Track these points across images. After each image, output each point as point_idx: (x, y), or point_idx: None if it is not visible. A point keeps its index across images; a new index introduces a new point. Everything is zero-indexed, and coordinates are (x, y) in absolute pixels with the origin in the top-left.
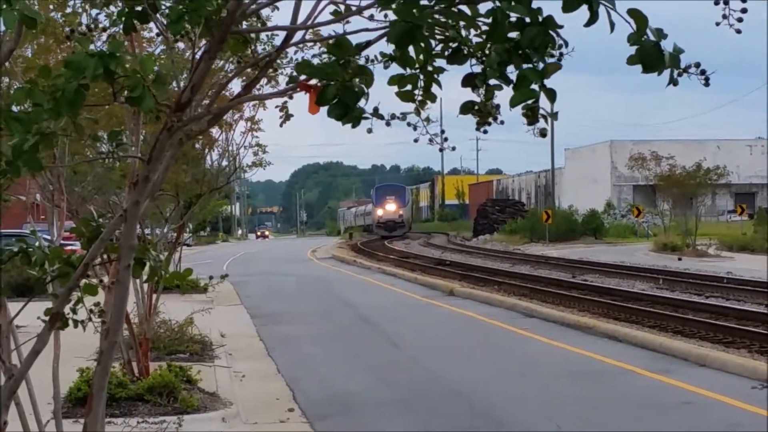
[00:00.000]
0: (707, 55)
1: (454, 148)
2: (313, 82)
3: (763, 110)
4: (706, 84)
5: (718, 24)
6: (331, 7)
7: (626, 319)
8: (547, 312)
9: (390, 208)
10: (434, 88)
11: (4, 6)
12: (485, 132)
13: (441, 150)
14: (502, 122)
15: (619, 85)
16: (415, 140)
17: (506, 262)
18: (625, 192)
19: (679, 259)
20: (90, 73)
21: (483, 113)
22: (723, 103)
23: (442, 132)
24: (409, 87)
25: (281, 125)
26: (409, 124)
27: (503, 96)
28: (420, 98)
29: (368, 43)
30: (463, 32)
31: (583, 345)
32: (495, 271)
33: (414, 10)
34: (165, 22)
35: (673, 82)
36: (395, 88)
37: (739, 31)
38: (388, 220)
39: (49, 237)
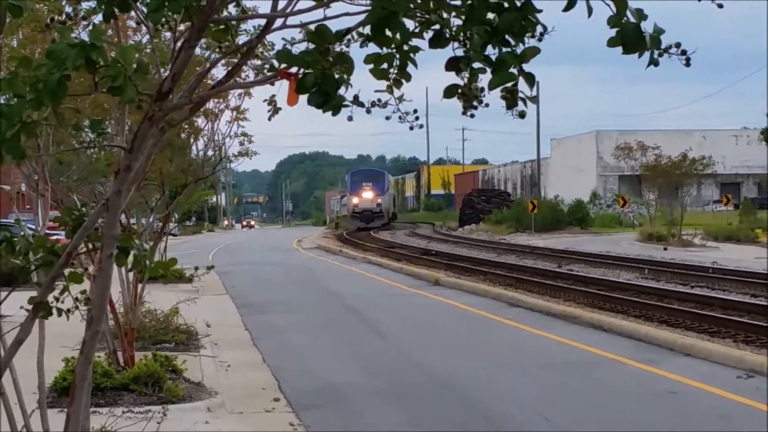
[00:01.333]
0: (692, 47)
1: (421, 126)
2: (294, 70)
3: (748, 101)
4: (687, 64)
5: (700, 0)
6: None
7: (612, 308)
8: (532, 302)
9: (366, 195)
10: (413, 68)
11: None
12: (472, 116)
13: (411, 128)
14: (486, 105)
15: (606, 75)
16: (387, 118)
17: (492, 252)
18: (611, 182)
19: (665, 249)
20: (71, 64)
21: (468, 97)
22: (709, 93)
23: (415, 111)
24: (384, 66)
25: (269, 119)
26: (379, 101)
27: (487, 79)
28: (394, 77)
29: (348, 30)
30: (445, 15)
31: (569, 335)
32: (481, 261)
33: None
34: (145, 11)
35: (653, 62)
36: (371, 76)
37: (720, 6)
38: (365, 209)
39: (34, 227)
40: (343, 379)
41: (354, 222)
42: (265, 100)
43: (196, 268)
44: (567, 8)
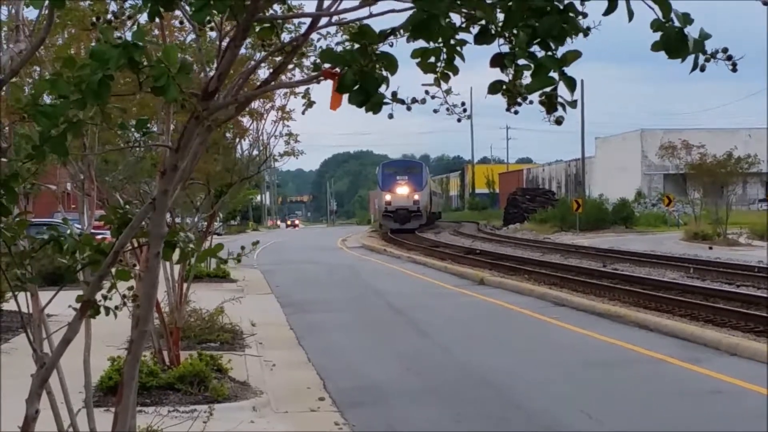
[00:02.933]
0: (734, 43)
1: (469, 117)
2: (338, 69)
3: None
4: (734, 70)
5: None
6: None
7: (657, 308)
8: (577, 301)
9: (401, 191)
10: (461, 63)
11: None
12: (516, 113)
13: (459, 120)
14: (531, 102)
15: (651, 74)
16: (435, 111)
17: (536, 251)
18: (656, 181)
19: (710, 248)
20: (113, 64)
21: (512, 93)
22: (754, 91)
23: (463, 104)
24: (432, 59)
25: (303, 112)
26: (427, 93)
27: None
28: (441, 70)
29: (393, 31)
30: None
31: (613, 334)
32: (525, 260)
33: (433, 1)
34: (190, 10)
35: (700, 68)
36: (420, 73)
37: (766, 3)
38: (400, 207)
39: (79, 226)
40: (387, 378)
41: (386, 222)
42: (299, 93)
43: (243, 248)
44: (607, 12)
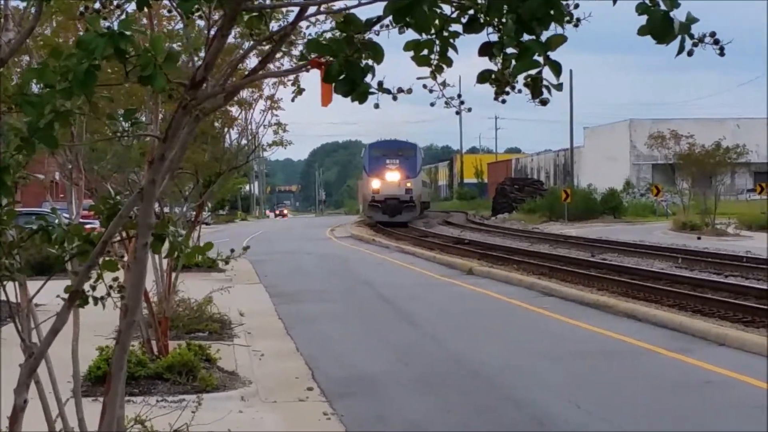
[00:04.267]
0: (724, 34)
1: (470, 110)
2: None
3: None
4: (721, 54)
5: None
6: None
7: (645, 298)
8: (565, 291)
9: (391, 177)
10: (451, 54)
11: None
12: (503, 102)
13: (458, 113)
14: (519, 91)
15: (640, 64)
16: (432, 104)
17: (525, 241)
18: (644, 171)
19: (699, 238)
20: (99, 53)
21: (500, 82)
22: (743, 81)
23: (459, 96)
24: (425, 52)
25: (293, 100)
26: (425, 87)
27: None
28: (436, 63)
29: (379, 19)
30: (479, 0)
31: (602, 324)
32: (514, 250)
33: None
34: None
35: (687, 52)
36: (409, 62)
37: None
38: (389, 197)
39: (68, 215)
40: (376, 368)
41: (374, 213)
42: (288, 80)
43: (232, 250)
44: None
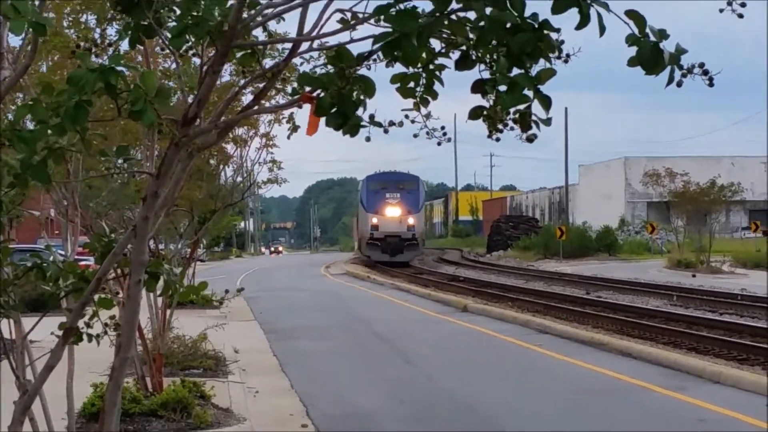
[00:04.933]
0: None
1: (449, 140)
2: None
3: None
4: (710, 84)
5: (722, 11)
6: (338, 15)
7: (640, 335)
8: (560, 328)
9: (392, 213)
10: (445, 91)
11: (13, 14)
12: (497, 140)
13: (439, 144)
14: (512, 128)
15: (635, 103)
16: (415, 135)
17: (520, 278)
18: (639, 208)
19: (693, 276)
20: (90, 88)
21: (493, 120)
22: (737, 120)
23: (443, 128)
24: (411, 84)
25: (288, 137)
26: (406, 117)
27: None
28: (421, 95)
29: (370, 53)
30: (471, 36)
31: (597, 362)
32: (509, 287)
33: (405, 21)
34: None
35: (676, 83)
36: (400, 97)
37: (741, 16)
38: (390, 234)
39: (63, 252)
40: (371, 405)
41: (372, 252)
42: (282, 118)
43: (227, 291)
44: (579, 26)
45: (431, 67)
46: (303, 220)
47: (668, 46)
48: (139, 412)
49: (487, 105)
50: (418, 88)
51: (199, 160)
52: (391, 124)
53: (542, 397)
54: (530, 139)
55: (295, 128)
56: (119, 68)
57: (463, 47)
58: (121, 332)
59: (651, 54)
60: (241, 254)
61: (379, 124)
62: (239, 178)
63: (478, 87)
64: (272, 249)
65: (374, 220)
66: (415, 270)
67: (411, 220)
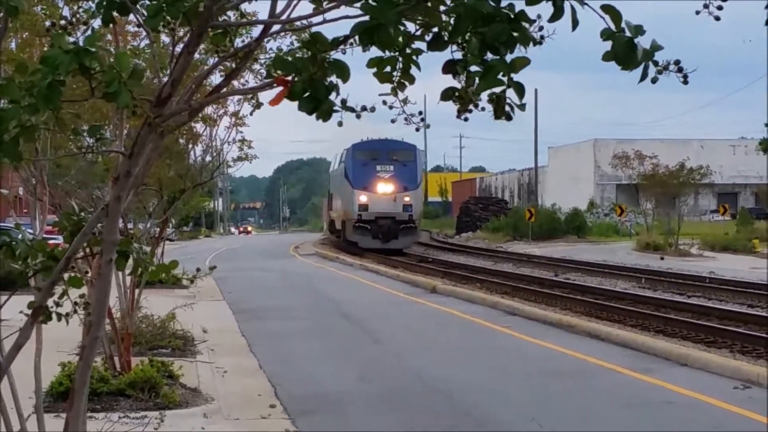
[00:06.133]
0: (689, 55)
1: (428, 126)
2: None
3: (746, 110)
4: (685, 82)
5: (698, 12)
6: None
7: (608, 318)
8: (529, 310)
9: (384, 189)
10: (414, 71)
11: None
12: (466, 120)
13: (417, 129)
14: (483, 109)
15: (605, 84)
16: (393, 121)
17: (489, 259)
18: (608, 191)
19: (662, 259)
20: (64, 69)
21: (464, 100)
22: (707, 102)
23: (420, 113)
24: (388, 69)
25: (251, 114)
26: (384, 103)
27: None
28: (398, 79)
29: (345, 38)
30: (444, 18)
31: (565, 343)
32: (477, 268)
33: (379, 8)
34: (144, 15)
35: (651, 80)
36: (374, 80)
37: (718, 18)
38: (381, 215)
39: (32, 231)
40: (339, 385)
41: (360, 237)
42: (251, 98)
43: (198, 269)
44: (553, 18)
45: (408, 51)
46: (272, 200)
47: (643, 41)
48: (107, 391)
49: (458, 86)
50: (395, 73)
51: (168, 139)
52: (364, 109)
53: (510, 378)
54: (509, 117)
55: (258, 105)
56: (93, 49)
57: (436, 29)
58: (91, 311)
59: (625, 49)
60: (211, 234)
61: (352, 110)
62: (208, 158)
63: (450, 67)
64: (241, 229)
65: (362, 198)
66: (384, 251)
67: (407, 198)
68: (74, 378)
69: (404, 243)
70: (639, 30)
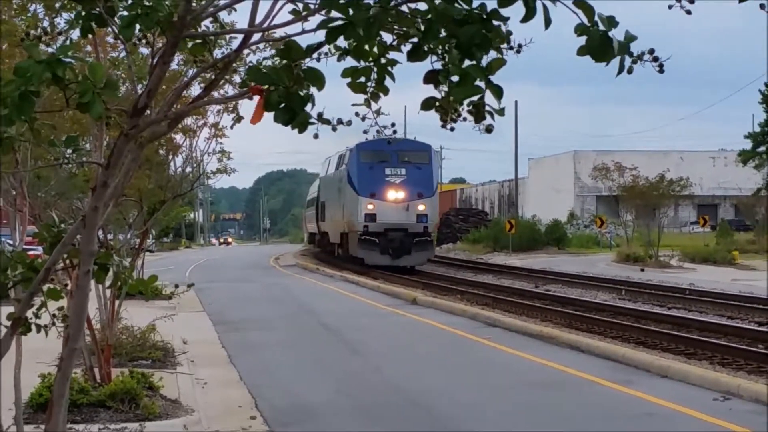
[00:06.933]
0: (668, 66)
1: (395, 133)
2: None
3: (725, 123)
4: (661, 71)
5: (670, 7)
6: (290, 6)
7: (588, 329)
8: (509, 321)
9: (394, 196)
10: (392, 83)
11: None
12: (452, 129)
13: (389, 143)
14: (464, 119)
15: (585, 96)
16: (365, 131)
17: (469, 271)
18: (588, 202)
19: (642, 270)
20: (36, 80)
21: (445, 110)
22: (686, 114)
23: (393, 124)
24: (362, 79)
25: (231, 127)
26: (357, 114)
27: None
28: (372, 90)
29: (319, 45)
30: (422, 28)
31: (546, 355)
32: (458, 280)
33: (353, 10)
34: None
35: (627, 70)
36: (351, 92)
37: (689, 12)
38: (391, 227)
39: (11, 242)
40: (320, 397)
41: (366, 252)
42: (231, 109)
43: (177, 286)
44: (525, 19)
45: (383, 61)
46: (252, 211)
47: (617, 34)
48: (87, 402)
49: (439, 96)
50: (369, 83)
51: (148, 150)
52: (340, 122)
53: (490, 390)
54: (489, 130)
55: (238, 119)
56: (67, 59)
57: (415, 39)
58: (69, 323)
59: (600, 43)
60: (191, 245)
61: (328, 122)
62: (188, 169)
63: (431, 78)
64: (222, 240)
65: (369, 207)
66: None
67: (421, 207)
68: (53, 389)
69: (418, 259)
70: (612, 22)
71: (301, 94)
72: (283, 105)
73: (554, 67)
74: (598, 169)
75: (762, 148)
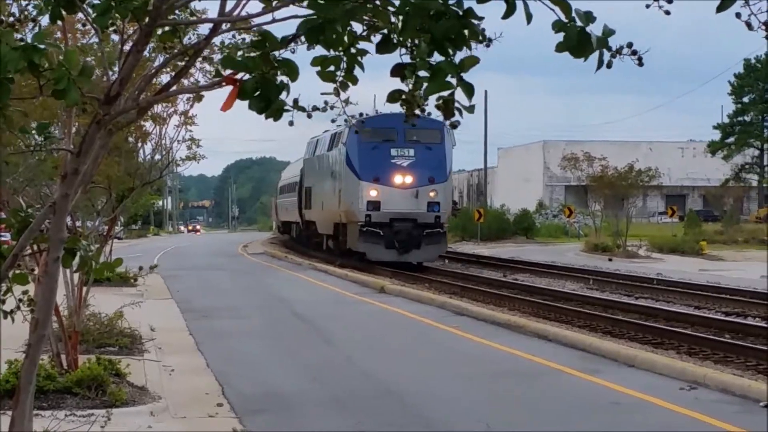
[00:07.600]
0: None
1: (357, 122)
2: (241, 75)
3: (693, 114)
4: (640, 64)
5: (648, 6)
6: None
7: (556, 318)
8: (477, 310)
9: (401, 180)
10: (364, 73)
11: None
12: (414, 126)
13: (357, 133)
14: (429, 114)
15: (555, 86)
16: (333, 120)
17: (437, 260)
18: (557, 192)
19: (610, 260)
20: (13, 67)
21: (411, 104)
22: (656, 105)
23: (361, 114)
24: (331, 68)
25: (191, 106)
26: (326, 103)
27: None
28: (341, 79)
29: (295, 36)
30: (393, 20)
31: (513, 344)
32: (426, 268)
33: (326, 5)
34: (92, 12)
35: (606, 64)
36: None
37: (668, 12)
38: (398, 216)
39: None
40: (288, 385)
41: (369, 246)
42: (200, 101)
43: (140, 268)
44: (506, 15)
45: (353, 51)
46: (221, 199)
47: (595, 29)
48: (54, 389)
49: (406, 89)
50: (338, 73)
51: (117, 137)
52: (315, 109)
53: (460, 379)
54: (454, 126)
55: (199, 98)
56: (42, 46)
57: (385, 31)
58: (37, 309)
59: (578, 39)
60: (159, 233)
61: (303, 109)
62: (158, 156)
63: (398, 71)
64: (190, 228)
65: (372, 193)
66: (333, 251)
67: (433, 193)
68: (20, 376)
69: (429, 254)
70: (590, 18)
71: (276, 82)
72: (258, 93)
73: (524, 56)
74: (567, 159)
75: (731, 139)
